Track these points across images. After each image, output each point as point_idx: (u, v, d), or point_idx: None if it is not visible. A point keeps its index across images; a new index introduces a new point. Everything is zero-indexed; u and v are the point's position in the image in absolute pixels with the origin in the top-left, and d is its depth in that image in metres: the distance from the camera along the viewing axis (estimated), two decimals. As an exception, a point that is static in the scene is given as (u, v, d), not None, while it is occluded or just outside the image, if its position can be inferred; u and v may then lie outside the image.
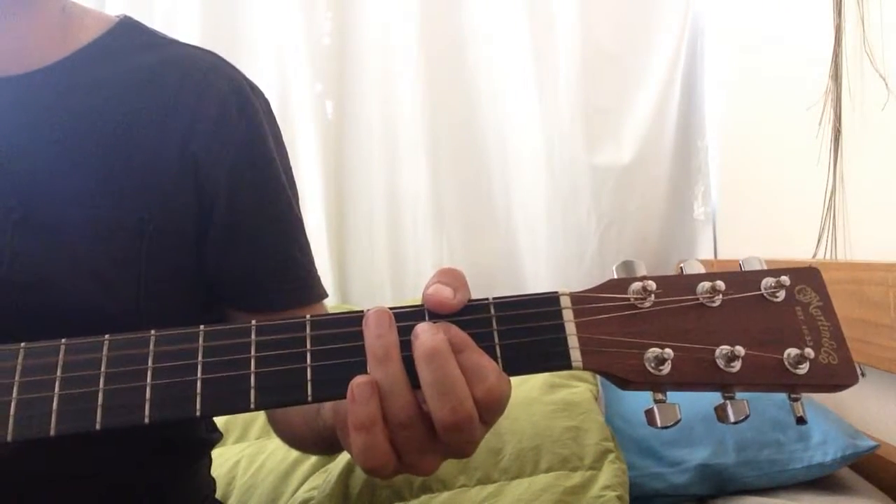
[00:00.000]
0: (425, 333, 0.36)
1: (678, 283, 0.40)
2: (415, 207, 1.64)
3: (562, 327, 0.38)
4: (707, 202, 1.59)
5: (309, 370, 0.37)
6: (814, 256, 1.10)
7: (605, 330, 0.38)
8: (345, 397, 0.36)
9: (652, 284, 0.39)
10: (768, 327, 0.39)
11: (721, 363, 0.38)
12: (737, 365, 0.38)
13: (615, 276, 0.40)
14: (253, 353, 0.37)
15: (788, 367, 0.38)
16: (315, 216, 1.63)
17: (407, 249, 1.65)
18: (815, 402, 0.90)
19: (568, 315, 0.39)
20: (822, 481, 0.82)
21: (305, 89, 1.64)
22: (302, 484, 0.86)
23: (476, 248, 1.64)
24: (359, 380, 0.35)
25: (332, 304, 1.53)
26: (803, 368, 0.38)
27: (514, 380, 0.37)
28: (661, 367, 0.37)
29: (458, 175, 1.64)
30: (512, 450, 0.79)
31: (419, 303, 0.38)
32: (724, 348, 0.38)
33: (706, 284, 0.39)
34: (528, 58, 1.58)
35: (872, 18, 0.97)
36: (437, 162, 1.62)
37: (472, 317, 0.38)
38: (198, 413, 0.36)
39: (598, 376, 0.88)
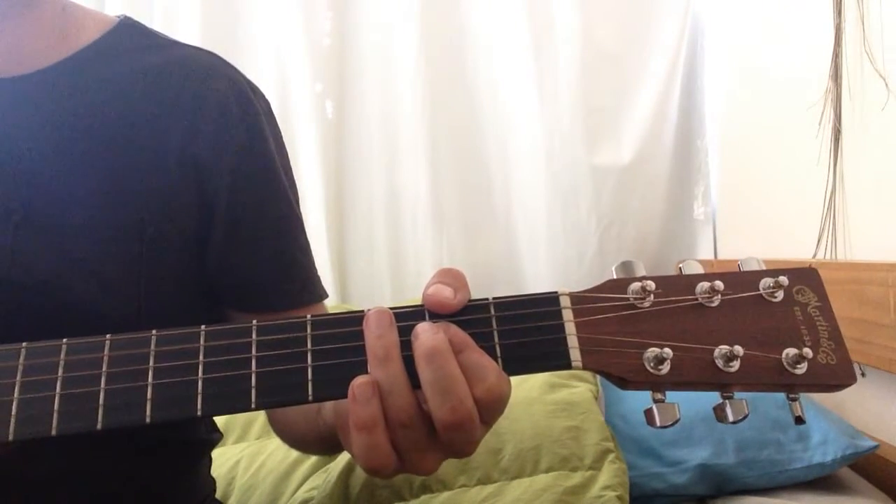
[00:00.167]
0: (426, 333, 0.36)
1: (677, 284, 0.40)
2: (415, 207, 1.64)
3: (561, 327, 0.38)
4: (707, 202, 1.59)
5: (310, 370, 0.37)
6: (814, 256, 1.10)
7: (605, 330, 0.39)
8: (345, 397, 0.36)
9: (651, 284, 0.39)
10: (767, 327, 0.39)
11: (720, 363, 0.38)
12: (735, 365, 0.38)
13: (615, 277, 0.41)
14: (254, 352, 0.37)
15: (787, 366, 0.38)
16: (315, 216, 1.63)
17: (407, 249, 1.65)
18: (814, 402, 0.90)
19: (568, 315, 0.39)
20: (822, 481, 0.82)
21: (305, 89, 1.64)
22: (302, 484, 0.86)
23: (476, 247, 1.64)
24: (360, 380, 0.36)
25: (331, 304, 1.53)
26: (802, 368, 0.38)
27: (514, 380, 0.38)
28: (660, 367, 0.38)
29: (458, 175, 1.64)
30: (512, 450, 0.79)
31: (419, 303, 0.38)
32: (723, 348, 0.38)
33: (705, 284, 0.39)
34: (528, 58, 1.58)
35: (872, 18, 0.97)
36: (437, 162, 1.62)
37: (472, 317, 0.38)
38: (199, 413, 0.36)
39: (597, 376, 0.88)
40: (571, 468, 0.76)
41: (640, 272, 0.40)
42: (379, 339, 0.36)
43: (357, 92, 1.67)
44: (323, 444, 0.55)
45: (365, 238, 1.68)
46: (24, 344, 0.38)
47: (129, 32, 0.59)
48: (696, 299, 0.40)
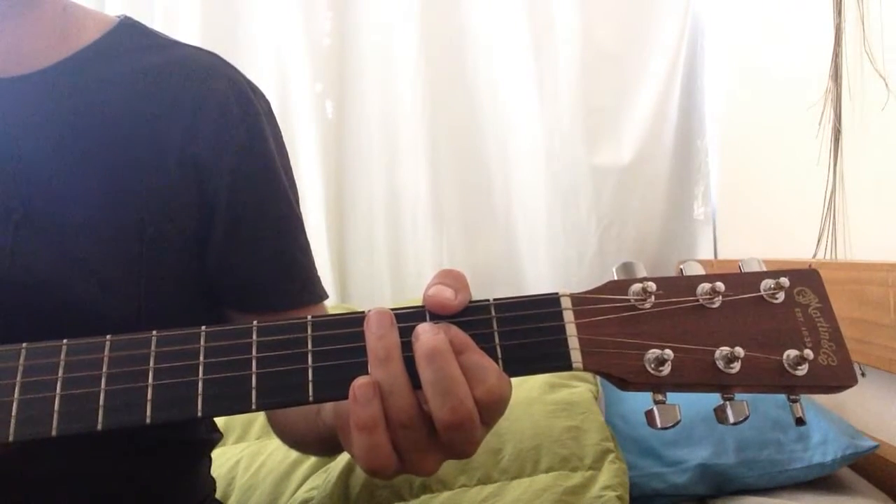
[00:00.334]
0: (426, 334, 0.36)
1: (678, 285, 0.40)
2: (415, 207, 1.64)
3: (562, 328, 0.38)
4: (707, 202, 1.59)
5: (310, 371, 0.37)
6: (814, 256, 1.10)
7: (606, 331, 0.39)
8: (346, 398, 0.36)
9: (652, 286, 0.39)
10: (768, 329, 0.39)
11: (721, 364, 0.38)
12: (736, 366, 0.38)
13: (615, 278, 0.41)
14: (254, 353, 0.37)
15: (788, 368, 0.38)
16: (315, 216, 1.63)
17: (407, 249, 1.65)
18: (815, 402, 0.90)
19: (568, 316, 0.39)
20: (822, 481, 0.82)
21: (305, 89, 1.64)
22: (302, 484, 0.86)
23: (476, 247, 1.64)
24: (360, 380, 0.35)
25: (331, 304, 1.53)
26: (802, 370, 0.38)
27: (514, 380, 0.37)
28: (661, 368, 0.38)
29: (458, 175, 1.64)
30: (512, 450, 0.79)
31: (419, 303, 0.38)
32: (724, 349, 0.38)
33: (706, 286, 0.39)
34: (528, 58, 1.58)
35: (872, 18, 0.97)
36: (437, 162, 1.62)
37: (473, 318, 0.38)
38: (199, 413, 0.36)
39: (598, 376, 0.88)
40: (571, 468, 0.76)
41: (641, 273, 0.40)
42: (380, 340, 0.36)
43: (357, 92, 1.67)
44: (323, 444, 0.55)
45: (365, 238, 1.68)
46: (24, 344, 0.38)
47: (129, 32, 0.59)
48: (697, 300, 0.40)
